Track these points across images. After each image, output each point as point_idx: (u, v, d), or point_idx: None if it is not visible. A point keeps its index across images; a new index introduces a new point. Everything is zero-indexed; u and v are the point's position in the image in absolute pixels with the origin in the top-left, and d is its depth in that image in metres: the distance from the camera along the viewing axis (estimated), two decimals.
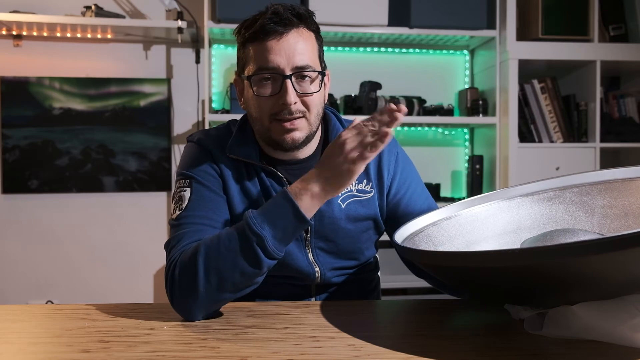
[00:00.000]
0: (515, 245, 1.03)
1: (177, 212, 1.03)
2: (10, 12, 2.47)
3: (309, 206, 0.93)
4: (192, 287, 0.91)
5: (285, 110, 1.03)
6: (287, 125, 1.04)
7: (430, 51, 2.88)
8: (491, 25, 2.62)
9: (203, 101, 2.71)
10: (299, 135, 1.05)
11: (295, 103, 1.03)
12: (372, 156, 0.90)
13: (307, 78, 1.05)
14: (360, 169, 0.91)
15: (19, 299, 2.67)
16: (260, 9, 1.07)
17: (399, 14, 2.59)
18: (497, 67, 2.62)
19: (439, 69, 2.90)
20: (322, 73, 1.07)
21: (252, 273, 0.91)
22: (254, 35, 1.04)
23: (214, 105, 2.73)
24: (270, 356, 0.74)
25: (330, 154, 0.93)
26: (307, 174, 0.95)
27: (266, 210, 0.93)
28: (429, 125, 2.83)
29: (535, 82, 2.67)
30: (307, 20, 1.06)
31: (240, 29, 1.08)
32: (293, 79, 1.03)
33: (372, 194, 1.14)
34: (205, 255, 0.91)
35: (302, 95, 1.04)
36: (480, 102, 2.65)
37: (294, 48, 1.03)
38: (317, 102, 1.07)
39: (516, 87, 2.56)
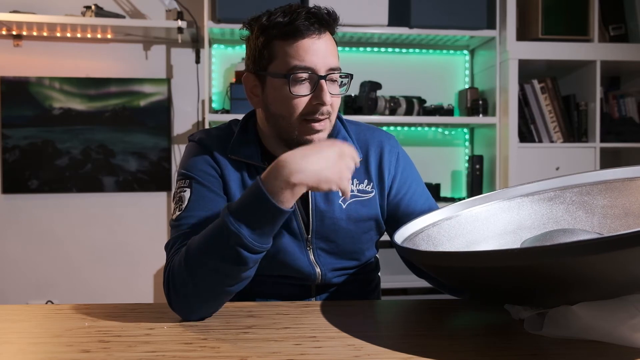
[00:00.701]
0: (516, 245, 1.03)
1: (177, 213, 1.03)
2: (10, 12, 2.47)
3: (286, 197, 0.88)
4: (183, 289, 0.91)
5: (318, 110, 1.03)
6: (317, 125, 1.04)
7: (430, 51, 2.88)
8: (491, 25, 2.62)
9: (203, 101, 2.71)
10: (323, 136, 1.06)
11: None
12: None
13: (335, 80, 1.06)
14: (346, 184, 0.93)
15: (19, 299, 2.67)
16: (261, 9, 1.07)
17: (399, 14, 2.59)
18: (497, 67, 2.62)
19: (439, 69, 2.90)
20: (351, 76, 1.09)
21: (239, 270, 0.90)
22: (289, 33, 1.01)
23: (214, 105, 2.73)
24: (270, 356, 0.74)
25: (333, 154, 0.92)
26: (285, 159, 0.89)
27: (241, 206, 0.89)
28: (429, 125, 2.83)
29: (535, 82, 2.67)
30: (336, 23, 1.07)
31: (265, 27, 1.04)
32: (327, 79, 1.04)
33: (373, 194, 1.14)
34: (188, 257, 0.91)
35: (332, 96, 1.05)
36: (480, 102, 2.65)
37: (329, 49, 1.04)
38: (338, 104, 1.09)
39: (516, 87, 2.56)
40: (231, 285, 0.92)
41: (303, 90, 1.03)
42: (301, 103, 1.03)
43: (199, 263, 0.90)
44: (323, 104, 1.02)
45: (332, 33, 1.08)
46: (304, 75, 1.02)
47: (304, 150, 0.91)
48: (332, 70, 1.04)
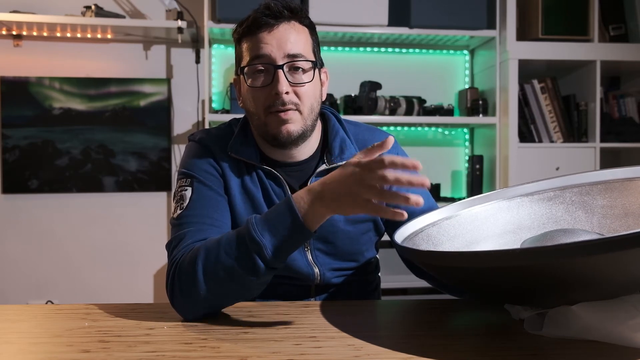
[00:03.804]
0: (515, 245, 1.03)
1: (178, 212, 1.03)
2: (10, 12, 2.47)
3: (313, 219, 0.87)
4: (191, 290, 0.90)
5: (278, 100, 1.03)
6: (281, 115, 1.03)
7: (430, 51, 2.88)
8: (491, 25, 2.63)
9: (203, 101, 2.71)
10: (293, 128, 1.05)
11: (287, 93, 1.03)
12: (381, 214, 0.82)
13: (299, 69, 1.05)
14: (371, 210, 0.83)
15: (19, 299, 2.67)
16: None
17: (399, 14, 2.59)
18: (497, 67, 2.62)
19: (439, 69, 2.90)
20: (315, 63, 1.07)
21: (251, 281, 0.89)
22: (247, 29, 1.05)
23: (214, 105, 2.73)
24: (270, 356, 0.74)
25: (349, 177, 0.83)
26: (318, 184, 0.88)
27: (269, 218, 0.89)
28: (429, 125, 2.83)
29: (535, 82, 2.67)
30: (298, 14, 1.07)
31: (236, 28, 1.09)
32: (285, 69, 1.03)
33: None
34: (204, 259, 0.90)
35: (294, 85, 1.04)
36: (480, 102, 2.65)
37: (286, 38, 1.04)
38: (310, 94, 1.06)
39: (516, 87, 2.56)
40: (239, 294, 0.92)
41: (260, 82, 1.04)
42: (261, 95, 1.04)
43: (215, 264, 0.89)
44: (279, 92, 1.02)
45: (310, 27, 1.09)
46: (260, 66, 1.04)
47: (332, 177, 0.86)
48: (291, 57, 1.03)
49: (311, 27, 1.10)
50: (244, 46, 1.07)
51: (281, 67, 1.02)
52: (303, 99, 1.05)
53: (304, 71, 1.06)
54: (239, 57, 1.10)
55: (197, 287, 0.90)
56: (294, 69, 1.05)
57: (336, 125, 1.16)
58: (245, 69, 1.05)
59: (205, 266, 0.90)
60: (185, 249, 0.96)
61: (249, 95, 1.07)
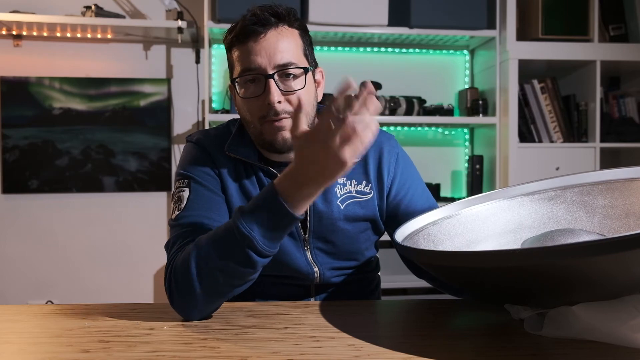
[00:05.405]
0: (516, 244, 1.03)
1: (176, 213, 1.03)
2: (10, 12, 2.47)
3: (299, 203, 0.87)
4: (188, 288, 0.90)
5: (271, 110, 1.02)
6: (276, 124, 1.03)
7: (430, 51, 2.88)
8: (491, 25, 2.63)
9: (203, 101, 2.71)
10: (288, 135, 1.03)
11: (280, 102, 1.02)
12: (363, 149, 0.80)
13: (291, 76, 1.04)
14: (352, 158, 0.80)
15: (19, 299, 2.67)
16: None
17: (399, 14, 2.59)
18: (497, 67, 2.62)
19: (439, 69, 2.90)
20: (307, 69, 1.06)
21: (246, 272, 0.90)
22: (236, 38, 1.04)
23: (214, 105, 2.73)
24: (270, 356, 0.74)
25: (311, 143, 0.82)
26: (293, 167, 0.86)
27: (254, 209, 0.87)
28: (429, 125, 2.83)
29: (535, 82, 2.67)
30: (286, 18, 1.05)
31: (226, 35, 1.08)
32: (276, 77, 1.02)
33: (371, 195, 1.14)
34: (197, 256, 0.90)
35: (286, 94, 1.03)
36: (480, 102, 2.65)
37: (274, 47, 1.02)
38: (303, 100, 1.02)
39: (516, 87, 2.56)
40: (236, 286, 0.92)
41: (252, 92, 1.04)
42: (255, 105, 1.04)
43: (207, 262, 0.89)
44: (271, 103, 1.01)
45: (300, 28, 1.07)
46: (251, 77, 1.03)
47: (312, 154, 0.84)
48: (281, 66, 1.02)
49: (302, 28, 1.09)
50: (234, 55, 1.06)
51: (272, 76, 1.02)
52: (295, 105, 1.02)
53: (296, 77, 1.05)
54: (231, 66, 1.09)
55: (192, 285, 0.90)
56: (285, 76, 1.04)
57: None
58: (237, 79, 1.05)
59: (198, 264, 0.90)
60: (181, 249, 0.96)
61: (243, 105, 1.07)
